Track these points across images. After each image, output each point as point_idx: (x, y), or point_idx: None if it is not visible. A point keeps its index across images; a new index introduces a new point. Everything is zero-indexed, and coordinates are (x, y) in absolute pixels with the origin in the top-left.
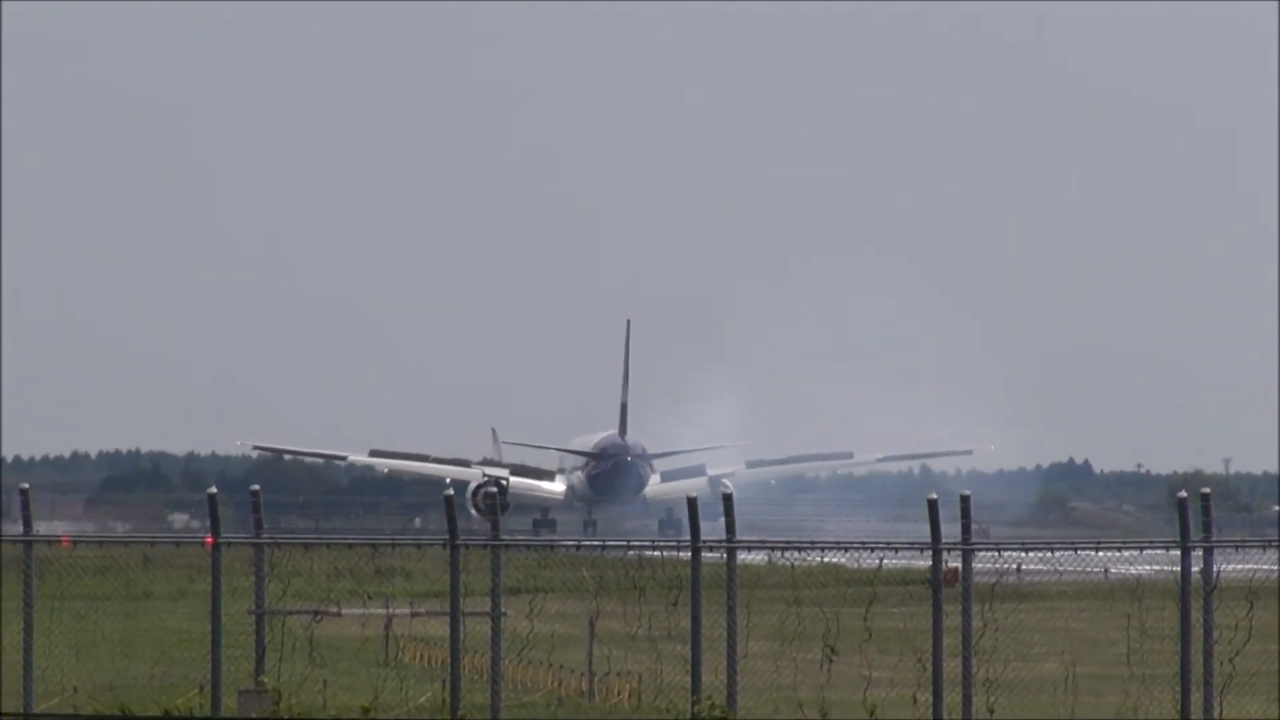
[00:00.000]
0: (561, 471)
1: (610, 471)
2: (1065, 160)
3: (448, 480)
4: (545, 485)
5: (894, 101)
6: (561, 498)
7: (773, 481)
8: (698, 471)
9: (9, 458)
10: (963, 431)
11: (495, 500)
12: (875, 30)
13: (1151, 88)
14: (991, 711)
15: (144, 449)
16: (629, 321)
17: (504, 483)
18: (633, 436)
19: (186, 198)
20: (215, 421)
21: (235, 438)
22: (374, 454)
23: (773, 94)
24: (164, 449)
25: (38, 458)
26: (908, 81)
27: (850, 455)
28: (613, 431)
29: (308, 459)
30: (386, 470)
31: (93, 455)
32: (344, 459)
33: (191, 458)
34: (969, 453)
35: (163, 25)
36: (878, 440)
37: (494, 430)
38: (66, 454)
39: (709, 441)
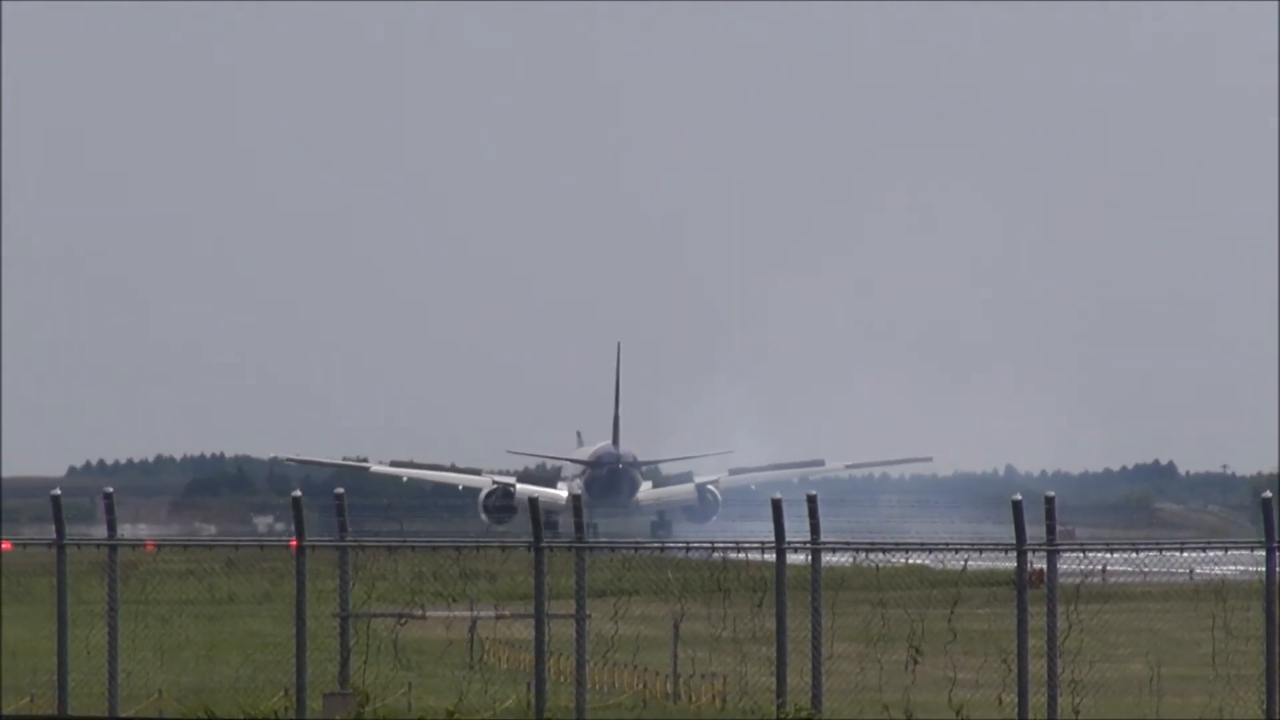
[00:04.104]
0: (563, 479)
1: (605, 478)
2: (1154, 152)
3: (460, 486)
4: (549, 491)
5: (906, 100)
6: (564, 503)
7: (753, 486)
8: (685, 478)
9: (94, 461)
10: (1040, 437)
11: (513, 504)
12: (893, 34)
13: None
14: (1077, 712)
15: (228, 453)
16: (619, 344)
17: (512, 489)
18: (625, 446)
19: (265, 205)
20: (300, 426)
21: (310, 445)
22: (395, 464)
23: (765, 103)
24: (248, 453)
25: (122, 461)
26: (919, 80)
27: (822, 463)
28: (607, 442)
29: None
30: (406, 479)
31: (177, 459)
32: (366, 467)
33: (276, 461)
34: (929, 459)
35: (210, 33)
36: (958, 445)
37: (579, 433)
38: (151, 457)
39: (694, 450)
